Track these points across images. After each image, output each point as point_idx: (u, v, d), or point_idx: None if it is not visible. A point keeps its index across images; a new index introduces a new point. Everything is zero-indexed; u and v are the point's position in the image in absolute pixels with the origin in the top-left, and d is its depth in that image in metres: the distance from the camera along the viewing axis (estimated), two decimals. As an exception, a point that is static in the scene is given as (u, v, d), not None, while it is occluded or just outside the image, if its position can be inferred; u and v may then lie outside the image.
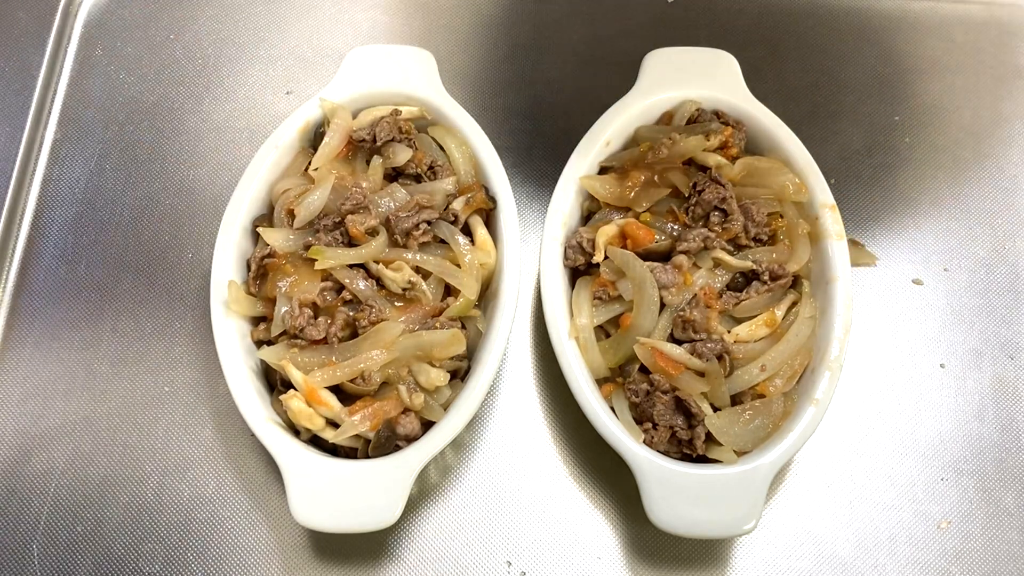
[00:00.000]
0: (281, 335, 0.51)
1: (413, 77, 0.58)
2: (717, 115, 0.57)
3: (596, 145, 0.56)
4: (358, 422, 0.48)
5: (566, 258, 0.53)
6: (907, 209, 0.63)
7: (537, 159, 0.64)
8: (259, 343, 0.52)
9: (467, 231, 0.54)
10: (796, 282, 0.53)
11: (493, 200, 0.55)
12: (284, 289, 0.51)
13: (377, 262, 0.51)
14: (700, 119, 0.56)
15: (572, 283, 0.53)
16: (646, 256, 0.51)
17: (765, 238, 0.53)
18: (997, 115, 0.66)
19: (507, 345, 0.51)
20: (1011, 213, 0.63)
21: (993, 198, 0.63)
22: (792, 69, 0.68)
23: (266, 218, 0.55)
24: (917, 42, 0.69)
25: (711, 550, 0.53)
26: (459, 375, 0.52)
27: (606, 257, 0.52)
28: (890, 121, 0.66)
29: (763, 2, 0.71)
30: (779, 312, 0.52)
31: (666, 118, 0.57)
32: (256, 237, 0.54)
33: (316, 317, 0.50)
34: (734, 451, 0.49)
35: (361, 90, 0.57)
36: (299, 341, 0.50)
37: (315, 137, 0.57)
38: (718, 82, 0.57)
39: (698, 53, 0.59)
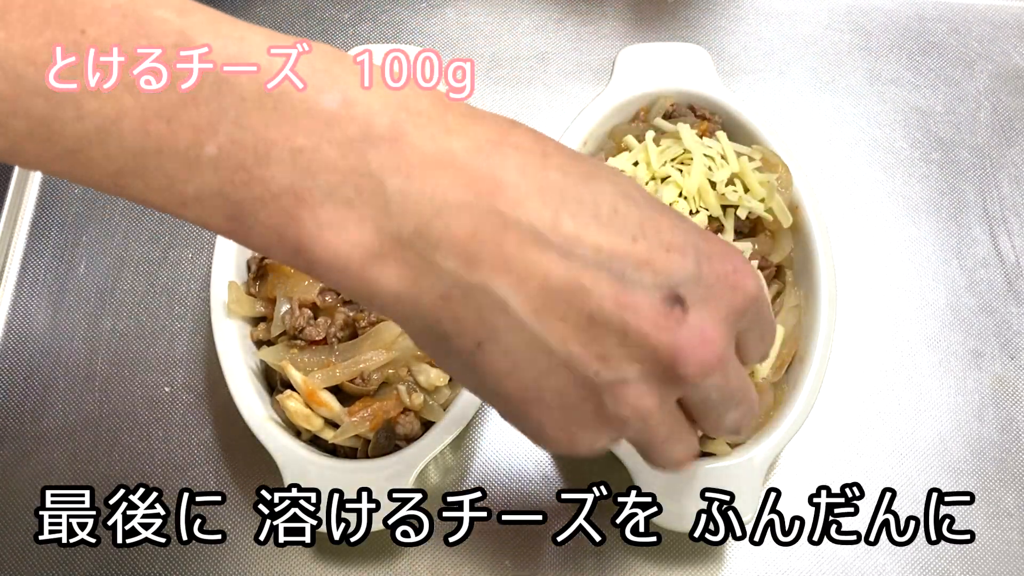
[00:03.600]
0: (281, 335, 0.51)
1: (413, 77, 0.58)
2: (692, 109, 0.57)
3: (573, 146, 0.56)
4: (358, 422, 0.48)
5: None
6: (907, 209, 0.63)
7: (537, 159, 0.64)
8: (259, 343, 0.52)
9: (467, 231, 0.54)
10: (779, 272, 0.54)
11: (493, 200, 0.55)
12: (284, 289, 0.51)
13: (377, 262, 0.51)
14: (675, 114, 0.56)
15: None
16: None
17: (746, 230, 0.53)
18: (997, 115, 0.66)
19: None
20: (1011, 213, 0.63)
21: (993, 197, 0.63)
22: (793, 71, 0.68)
23: (266, 218, 0.55)
24: (914, 42, 0.69)
25: (710, 549, 0.53)
26: (459, 375, 0.52)
27: None
28: (889, 120, 0.66)
29: (761, 4, 0.71)
30: (764, 302, 0.52)
31: (641, 114, 0.57)
32: (256, 237, 0.54)
33: (316, 317, 0.50)
34: (727, 443, 0.49)
35: (361, 90, 0.57)
36: (299, 341, 0.50)
37: (315, 137, 0.57)
38: (691, 76, 0.58)
39: (669, 48, 0.59)
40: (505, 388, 0.31)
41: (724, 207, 0.52)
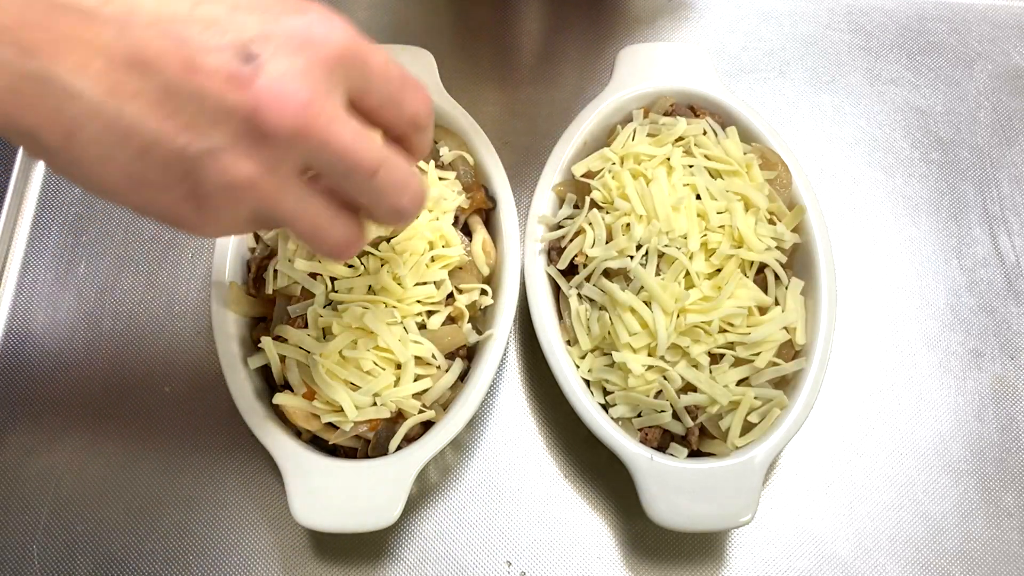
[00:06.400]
0: (281, 335, 0.51)
1: (413, 77, 0.58)
2: (692, 109, 0.57)
3: (574, 146, 0.56)
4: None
5: (550, 260, 0.53)
6: (907, 209, 0.63)
7: (537, 159, 0.64)
8: (259, 343, 0.52)
9: (467, 231, 0.54)
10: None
11: (493, 200, 0.55)
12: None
13: (377, 262, 0.51)
14: (675, 113, 0.56)
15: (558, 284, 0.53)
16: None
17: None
18: (997, 115, 0.66)
19: (507, 345, 0.51)
20: (1011, 213, 0.63)
21: (993, 197, 0.63)
22: (793, 71, 0.68)
23: (266, 218, 0.55)
24: (914, 42, 0.69)
25: (711, 549, 0.53)
26: (459, 375, 0.52)
27: None
28: (889, 120, 0.66)
29: (761, 4, 0.71)
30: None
31: (643, 114, 0.57)
32: (256, 237, 0.54)
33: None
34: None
35: (361, 90, 0.57)
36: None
37: (315, 137, 0.57)
38: (690, 76, 0.58)
39: (669, 48, 0.59)
40: (109, 177, 0.31)
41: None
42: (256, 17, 0.30)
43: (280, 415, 0.50)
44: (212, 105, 0.29)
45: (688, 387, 0.48)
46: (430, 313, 0.50)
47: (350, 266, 0.49)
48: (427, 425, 0.50)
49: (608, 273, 0.50)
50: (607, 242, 0.51)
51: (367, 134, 0.33)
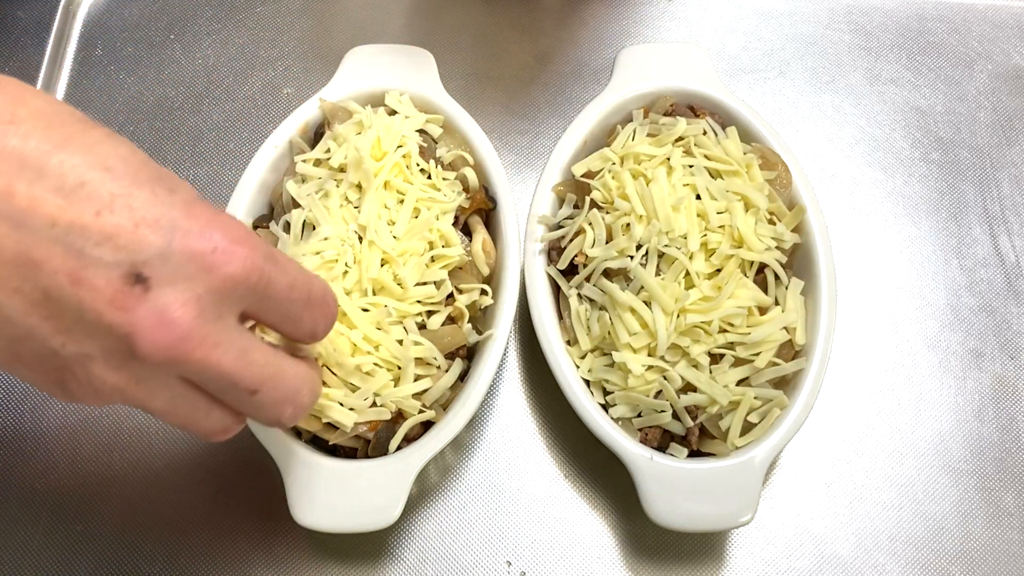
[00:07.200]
0: (281, 335, 0.51)
1: (413, 77, 0.58)
2: (692, 109, 0.57)
3: (573, 146, 0.56)
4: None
5: (550, 260, 0.53)
6: (907, 209, 0.63)
7: (537, 159, 0.64)
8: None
9: (467, 231, 0.54)
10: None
11: (493, 200, 0.55)
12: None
13: (377, 262, 0.51)
14: (675, 113, 0.56)
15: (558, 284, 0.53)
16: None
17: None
18: (997, 115, 0.66)
19: (507, 345, 0.51)
20: (1011, 213, 0.63)
21: (993, 197, 0.63)
22: (793, 71, 0.68)
23: (266, 218, 0.55)
24: (914, 42, 0.69)
25: (711, 549, 0.53)
26: (459, 375, 0.52)
27: None
28: (889, 120, 0.66)
29: (761, 4, 0.71)
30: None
31: (643, 114, 0.57)
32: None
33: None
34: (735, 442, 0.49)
35: (361, 90, 0.57)
36: (299, 341, 0.49)
37: (315, 137, 0.57)
38: (690, 76, 0.58)
39: (669, 48, 0.60)
40: None
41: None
42: (158, 236, 0.30)
43: (280, 415, 0.49)
44: (90, 319, 0.29)
45: (688, 387, 0.48)
46: (430, 313, 0.50)
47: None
48: (427, 425, 0.50)
49: (608, 273, 0.50)
50: (607, 242, 0.51)
51: (251, 357, 0.33)
